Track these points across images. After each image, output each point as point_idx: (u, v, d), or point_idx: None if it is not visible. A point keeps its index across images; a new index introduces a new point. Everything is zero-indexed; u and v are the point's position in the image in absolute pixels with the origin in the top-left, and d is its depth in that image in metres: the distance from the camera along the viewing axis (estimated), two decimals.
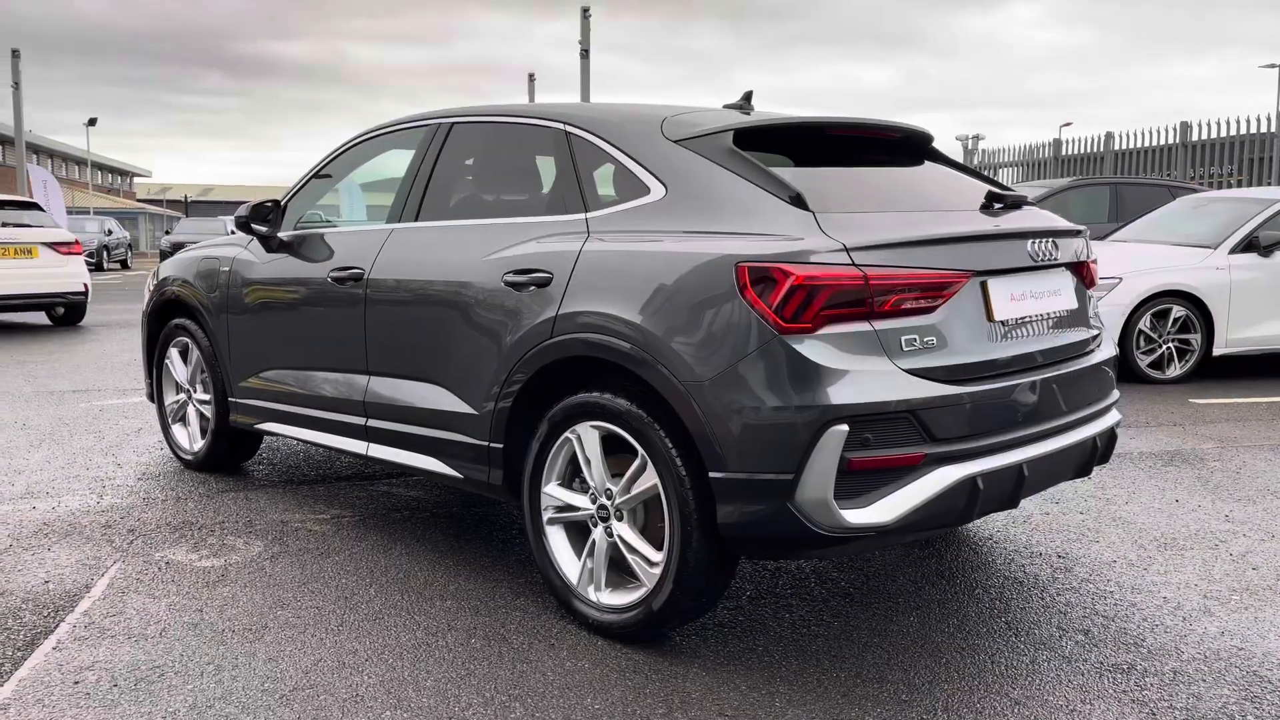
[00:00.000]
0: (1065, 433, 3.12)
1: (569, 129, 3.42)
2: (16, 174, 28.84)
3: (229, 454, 4.96)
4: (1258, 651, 3.03)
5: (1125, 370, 7.74)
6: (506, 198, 3.92)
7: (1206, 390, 7.56)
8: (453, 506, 4.46)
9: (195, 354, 4.89)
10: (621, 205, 3.18)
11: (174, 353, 5.07)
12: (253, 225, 4.39)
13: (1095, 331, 3.46)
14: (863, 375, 2.67)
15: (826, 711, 2.66)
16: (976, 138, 27.71)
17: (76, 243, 12.40)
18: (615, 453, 3.04)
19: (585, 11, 25.24)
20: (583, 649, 3.02)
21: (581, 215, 3.25)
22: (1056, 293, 3.27)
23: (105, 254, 31.33)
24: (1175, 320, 7.90)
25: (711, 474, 2.76)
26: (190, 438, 5.08)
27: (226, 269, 4.61)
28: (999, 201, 3.22)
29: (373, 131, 4.31)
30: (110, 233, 32.92)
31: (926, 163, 3.59)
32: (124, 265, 34.04)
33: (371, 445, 3.88)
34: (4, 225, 11.89)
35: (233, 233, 4.75)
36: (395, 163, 4.19)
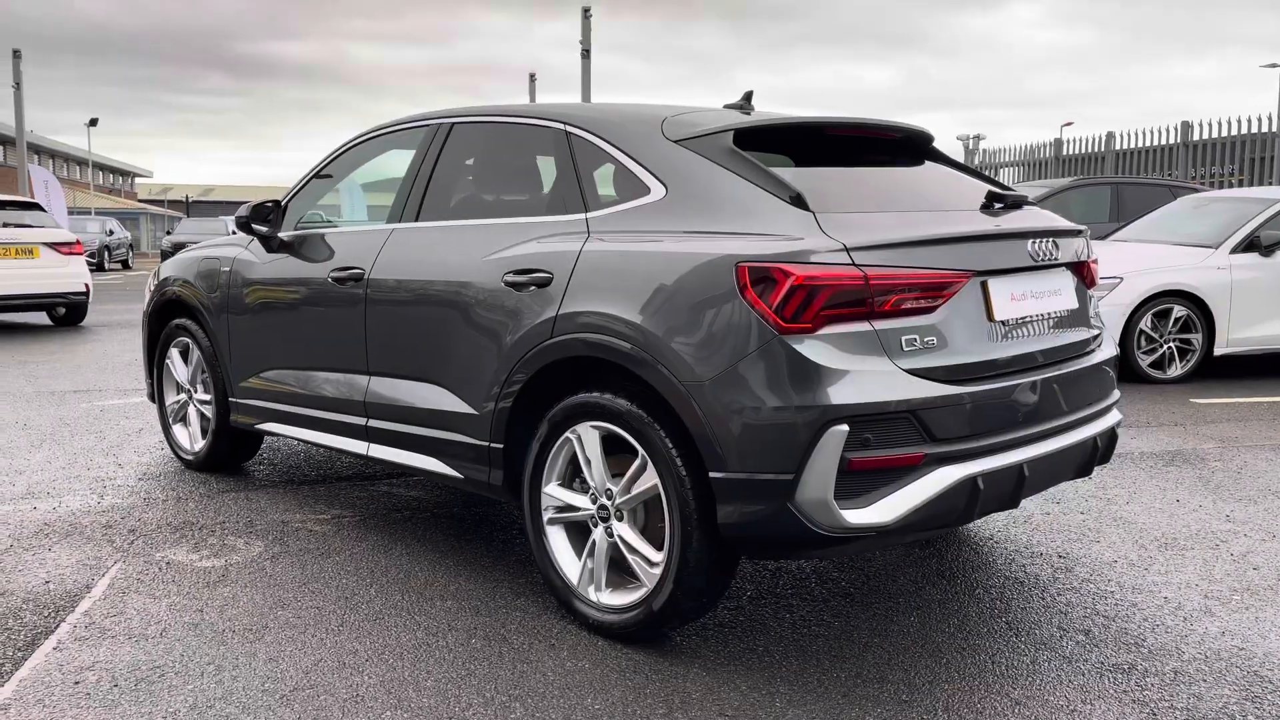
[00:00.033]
0: (1066, 433, 3.12)
1: (569, 129, 3.42)
2: (18, 174, 28.83)
3: (230, 454, 4.97)
4: (1259, 651, 3.02)
5: (1126, 370, 7.74)
6: (507, 198, 3.92)
7: (1207, 390, 7.56)
8: (453, 507, 4.46)
9: (196, 354, 4.90)
10: (622, 205, 3.18)
11: (175, 353, 5.07)
12: (253, 225, 4.40)
13: (1096, 331, 3.46)
14: (863, 375, 2.67)
15: (827, 712, 2.66)
16: (977, 138, 27.69)
17: (78, 243, 12.41)
18: (615, 453, 3.04)
19: (586, 11, 25.24)
20: (583, 649, 3.02)
21: (582, 215, 3.25)
22: (1057, 292, 3.26)
23: (106, 254, 31.35)
24: (1176, 320, 7.89)
25: (712, 474, 2.76)
26: (191, 438, 5.08)
27: (227, 269, 4.62)
28: (999, 201, 3.22)
29: (373, 132, 4.31)
30: (111, 233, 32.94)
31: (927, 163, 3.59)
32: (125, 265, 34.06)
33: (372, 445, 3.88)
34: (5, 225, 11.90)
35: (233, 233, 4.75)
36: (396, 163, 4.19)
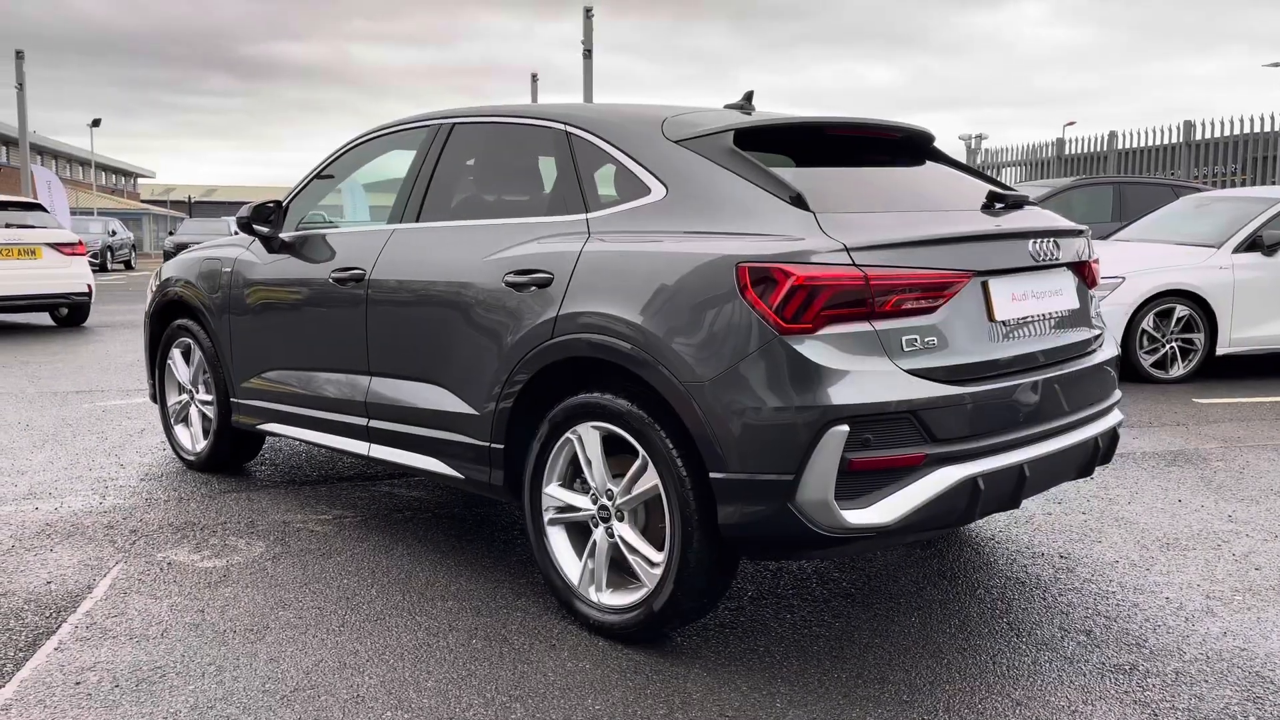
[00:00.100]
0: (1067, 433, 3.11)
1: (569, 129, 3.42)
2: (21, 175, 28.87)
3: (231, 454, 4.97)
4: (1260, 652, 3.02)
5: (1128, 370, 7.73)
6: (507, 198, 3.92)
7: (1210, 390, 7.55)
8: (454, 507, 4.47)
9: (197, 355, 4.90)
10: (622, 205, 3.18)
11: (176, 353, 5.08)
12: (254, 226, 4.40)
13: (1097, 331, 3.45)
14: (863, 375, 2.67)
15: (828, 712, 2.66)
16: (979, 137, 27.64)
17: (80, 243, 12.43)
18: (616, 453, 3.04)
19: (588, 12, 25.24)
20: (584, 649, 3.02)
21: (582, 216, 3.25)
22: (1058, 292, 3.26)
23: (109, 254, 31.39)
24: (1179, 320, 7.88)
25: (712, 474, 2.76)
26: (193, 438, 5.08)
27: (228, 270, 4.62)
28: (1000, 201, 3.21)
29: (374, 132, 4.31)
30: (114, 233, 32.97)
31: (928, 163, 3.59)
32: (128, 266, 34.09)
33: (373, 446, 3.88)
34: (8, 226, 11.91)
35: (235, 233, 4.76)
36: (397, 163, 4.19)
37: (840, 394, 2.64)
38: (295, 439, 4.34)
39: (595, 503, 3.10)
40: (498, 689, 2.77)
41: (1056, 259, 3.22)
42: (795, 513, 2.66)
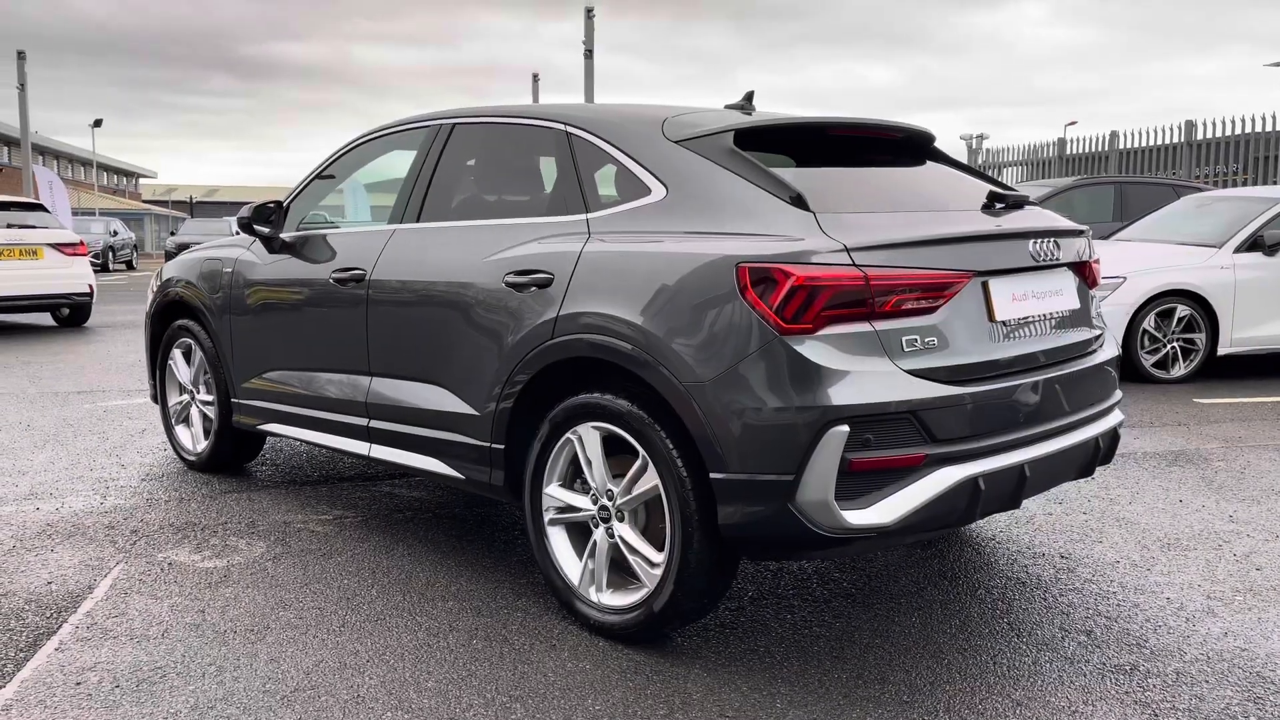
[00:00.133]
0: (1067, 433, 3.11)
1: (570, 130, 3.42)
2: (23, 175, 28.90)
3: (232, 455, 4.97)
4: (1261, 652, 3.02)
5: (1130, 370, 7.72)
6: (508, 198, 3.92)
7: (1211, 390, 7.54)
8: (455, 507, 4.47)
9: (198, 355, 4.90)
10: (622, 206, 3.18)
11: (177, 354, 5.08)
12: (255, 226, 4.40)
13: (1098, 331, 3.45)
14: (863, 376, 2.67)
15: (828, 712, 2.66)
16: (981, 137, 27.65)
17: (81, 244, 12.44)
18: (616, 453, 3.04)
19: (589, 12, 25.25)
20: (584, 650, 3.02)
21: (582, 216, 3.25)
22: (1058, 293, 3.26)
23: (111, 255, 31.41)
24: (1180, 320, 7.88)
25: (712, 475, 2.76)
26: (193, 438, 5.09)
27: (229, 270, 4.62)
28: (1001, 201, 3.21)
29: (375, 133, 4.31)
30: (116, 233, 32.99)
31: (928, 163, 3.59)
32: (129, 266, 34.11)
33: (374, 446, 3.88)
34: (9, 226, 11.92)
35: (237, 234, 4.76)
36: (397, 163, 4.19)
37: (840, 394, 2.64)
38: (296, 439, 4.35)
39: (595, 503, 3.10)
40: (498, 689, 2.77)
41: (1057, 259, 3.22)
42: (795, 513, 2.66)
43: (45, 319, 13.28)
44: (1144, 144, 19.02)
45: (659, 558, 2.94)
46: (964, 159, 23.62)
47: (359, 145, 4.37)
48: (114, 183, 70.46)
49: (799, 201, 2.82)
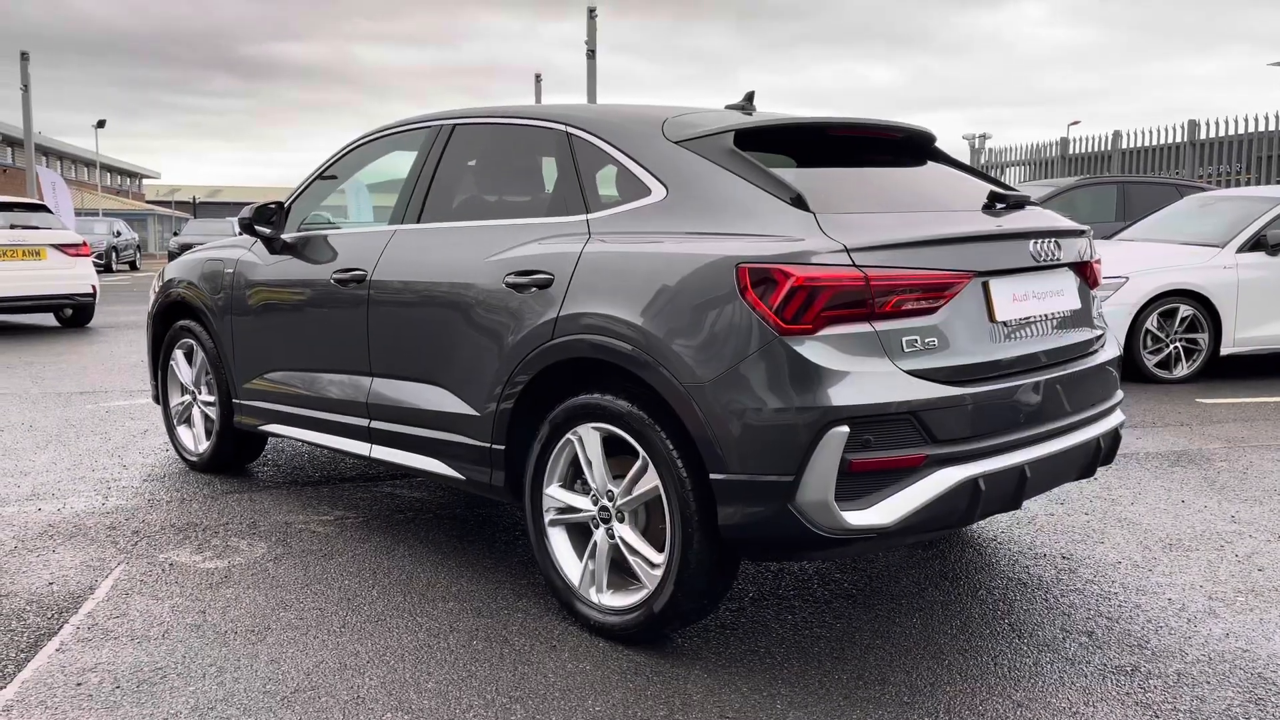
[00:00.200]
0: (1068, 434, 3.11)
1: (570, 130, 3.42)
2: (26, 176, 28.93)
3: (233, 455, 4.97)
4: (1263, 653, 3.01)
5: (1132, 370, 7.71)
6: (508, 199, 3.92)
7: (1214, 390, 7.53)
8: (456, 508, 4.47)
9: (200, 355, 4.91)
10: (622, 206, 3.18)
11: (179, 354, 5.08)
12: (256, 227, 4.41)
13: (1099, 332, 3.45)
14: (863, 376, 2.66)
15: (828, 713, 2.65)
16: (983, 137, 27.61)
17: (84, 244, 12.46)
18: (617, 454, 3.04)
19: (591, 12, 25.25)
20: (584, 650, 3.02)
21: (582, 216, 3.25)
22: (1059, 293, 3.25)
23: (114, 255, 31.47)
24: (1182, 319, 7.87)
25: (712, 475, 2.75)
26: (195, 439, 5.09)
27: (230, 271, 4.63)
28: (1001, 201, 3.20)
29: (376, 133, 4.31)
30: (119, 234, 33.04)
31: (929, 163, 3.58)
32: (132, 267, 34.17)
33: (374, 447, 3.88)
34: (12, 227, 11.94)
35: (239, 234, 4.76)
36: (398, 164, 4.19)
37: (840, 395, 2.64)
38: (297, 440, 4.35)
39: (596, 504, 3.10)
40: (498, 690, 2.77)
41: (1058, 259, 3.21)
42: (795, 514, 2.66)
43: (48, 319, 13.30)
44: (1147, 144, 18.99)
45: (659, 558, 2.94)
46: (967, 159, 23.61)
47: (360, 146, 4.37)
48: (117, 183, 70.56)
49: (799, 202, 2.82)
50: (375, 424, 3.85)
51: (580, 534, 3.20)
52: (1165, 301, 7.84)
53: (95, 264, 13.37)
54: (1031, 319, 3.10)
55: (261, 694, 2.75)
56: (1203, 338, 7.89)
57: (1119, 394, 3.46)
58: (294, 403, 4.29)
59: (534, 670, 2.89)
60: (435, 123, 3.97)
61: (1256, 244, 8.05)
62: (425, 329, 3.62)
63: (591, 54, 25.25)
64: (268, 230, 4.40)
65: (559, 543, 3.23)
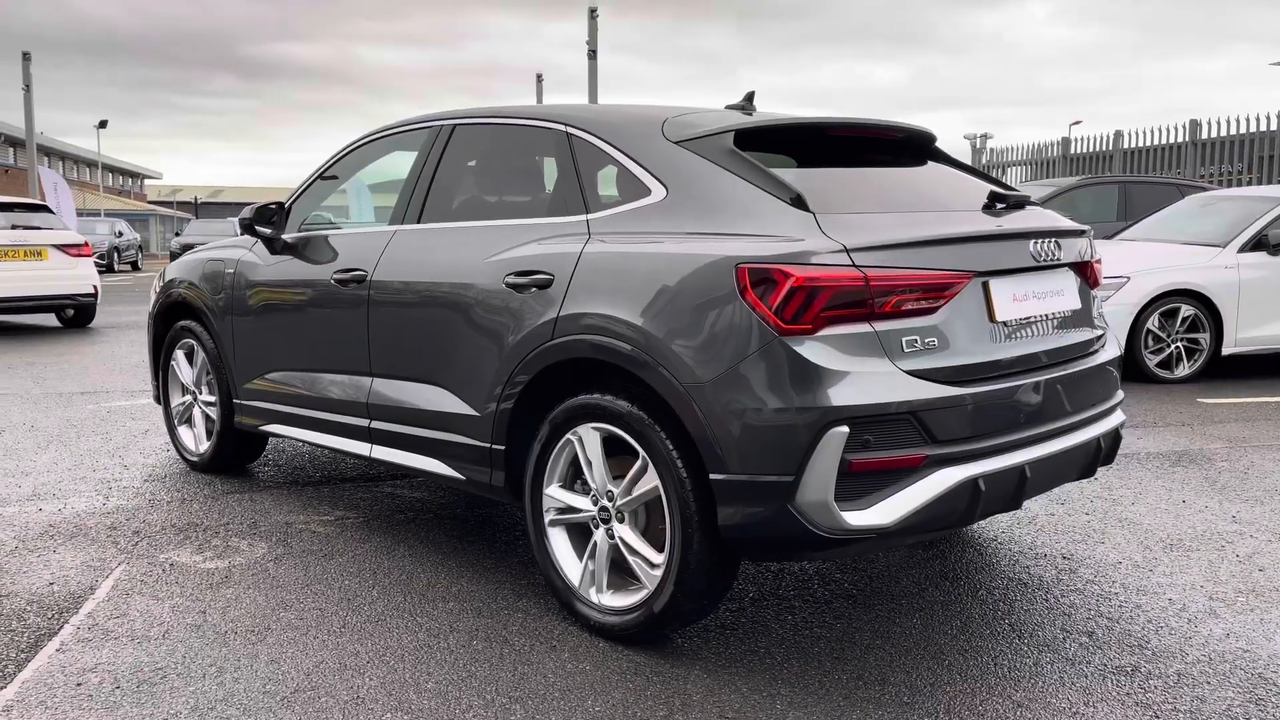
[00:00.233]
0: (1069, 434, 3.11)
1: (570, 130, 3.42)
2: (28, 176, 28.95)
3: (234, 455, 4.98)
4: (1263, 654, 3.01)
5: (1133, 370, 7.71)
6: (508, 199, 3.93)
7: (1215, 390, 7.52)
8: (457, 508, 4.47)
9: (201, 356, 4.91)
10: (622, 206, 3.18)
11: (180, 354, 5.09)
12: (256, 228, 4.41)
13: (1099, 332, 3.44)
14: (863, 376, 2.66)
15: (828, 714, 2.65)
16: (985, 137, 27.60)
17: (86, 244, 12.47)
18: (616, 454, 3.04)
19: (593, 12, 25.24)
20: (584, 651, 3.02)
21: (582, 217, 3.25)
22: (1060, 293, 3.25)
23: (116, 255, 31.49)
24: (1184, 319, 7.86)
25: (712, 476, 2.75)
26: (196, 439, 5.09)
27: (231, 271, 4.63)
28: (1002, 201, 3.20)
29: (376, 134, 4.32)
30: (121, 234, 33.08)
31: (929, 163, 3.58)
32: (134, 267, 34.20)
33: (375, 447, 3.89)
34: (14, 227, 11.95)
35: (240, 234, 4.77)
36: (399, 164, 4.20)
37: (840, 395, 2.63)
38: (298, 440, 4.35)
39: (596, 504, 3.10)
40: (498, 690, 2.77)
41: (1058, 259, 3.21)
42: (795, 514, 2.65)
43: (50, 320, 13.31)
44: (1148, 143, 18.98)
45: (659, 559, 2.94)
46: (969, 159, 23.59)
47: (360, 146, 4.38)
48: (119, 184, 70.60)
49: (799, 202, 2.81)
50: (375, 424, 3.85)
51: (580, 534, 3.20)
52: (1166, 301, 7.84)
53: (97, 264, 13.38)
54: (1032, 319, 3.10)
55: (261, 694, 2.75)
56: (1204, 338, 7.88)
57: (1119, 394, 3.46)
58: (294, 403, 4.29)
59: (534, 670, 2.89)
60: (435, 123, 3.97)
61: (1258, 244, 8.05)
62: (425, 329, 3.62)
63: (593, 54, 25.24)
64: (268, 230, 4.40)
65: (559, 543, 3.23)
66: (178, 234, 36.18)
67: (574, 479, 3.20)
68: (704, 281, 2.80)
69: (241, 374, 4.59)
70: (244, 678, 2.84)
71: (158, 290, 5.23)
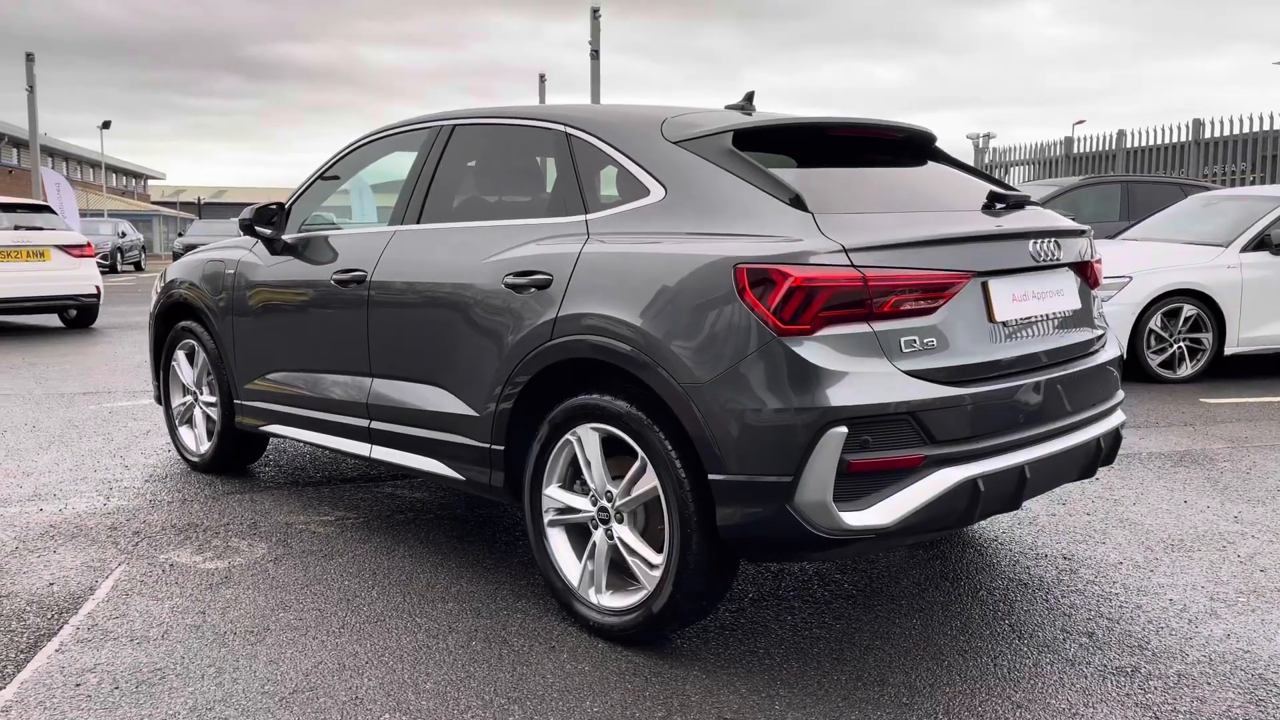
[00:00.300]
0: (1069, 434, 3.10)
1: (569, 131, 3.42)
2: (32, 177, 28.98)
3: (235, 456, 4.98)
4: (1264, 654, 3.00)
5: (1136, 370, 7.69)
6: (508, 200, 3.92)
7: (1218, 390, 7.51)
8: (456, 509, 4.47)
9: (201, 356, 4.91)
10: (621, 207, 3.18)
11: (181, 355, 5.09)
12: (257, 228, 4.41)
13: (1099, 331, 3.44)
14: (862, 377, 2.66)
15: (827, 714, 2.65)
16: (987, 136, 27.51)
17: (88, 245, 12.49)
18: (616, 455, 3.04)
19: (595, 12, 25.24)
20: (583, 651, 3.01)
21: (581, 217, 3.25)
22: (1059, 293, 3.24)
23: (119, 256, 31.53)
24: (1186, 319, 7.84)
25: (711, 476, 2.75)
26: (197, 440, 5.10)
27: (232, 271, 4.63)
28: (1001, 201, 3.20)
29: (376, 134, 4.32)
30: (124, 235, 33.13)
31: (929, 163, 3.57)
32: (137, 267, 34.26)
33: (375, 447, 3.89)
34: (16, 228, 11.97)
35: (240, 234, 4.77)
36: (399, 164, 4.20)
37: (839, 395, 2.63)
38: (298, 440, 4.35)
39: (595, 504, 3.10)
40: (496, 691, 2.77)
41: (1058, 259, 3.20)
42: (794, 514, 2.65)
43: (52, 320, 13.33)
44: (1151, 143, 18.95)
45: (658, 559, 2.94)
46: (971, 159, 23.55)
47: (360, 147, 4.38)
48: (123, 184, 70.66)
49: (798, 202, 2.81)
50: (375, 424, 3.85)
51: (579, 535, 3.20)
52: (1169, 301, 7.82)
53: (100, 265, 13.43)
54: (1031, 319, 3.09)
55: (260, 695, 2.75)
56: (1206, 337, 7.87)
57: (1120, 394, 3.45)
58: (295, 403, 4.29)
59: (532, 671, 2.89)
60: (435, 123, 3.97)
61: (1261, 243, 8.03)
62: (425, 329, 3.62)
63: (595, 54, 25.24)
64: (268, 231, 4.40)
65: (558, 543, 3.22)
66: (181, 234, 36.25)
67: (573, 479, 3.20)
68: (703, 282, 2.80)
69: (242, 374, 4.59)
70: (243, 678, 2.84)
71: (159, 291, 5.23)
